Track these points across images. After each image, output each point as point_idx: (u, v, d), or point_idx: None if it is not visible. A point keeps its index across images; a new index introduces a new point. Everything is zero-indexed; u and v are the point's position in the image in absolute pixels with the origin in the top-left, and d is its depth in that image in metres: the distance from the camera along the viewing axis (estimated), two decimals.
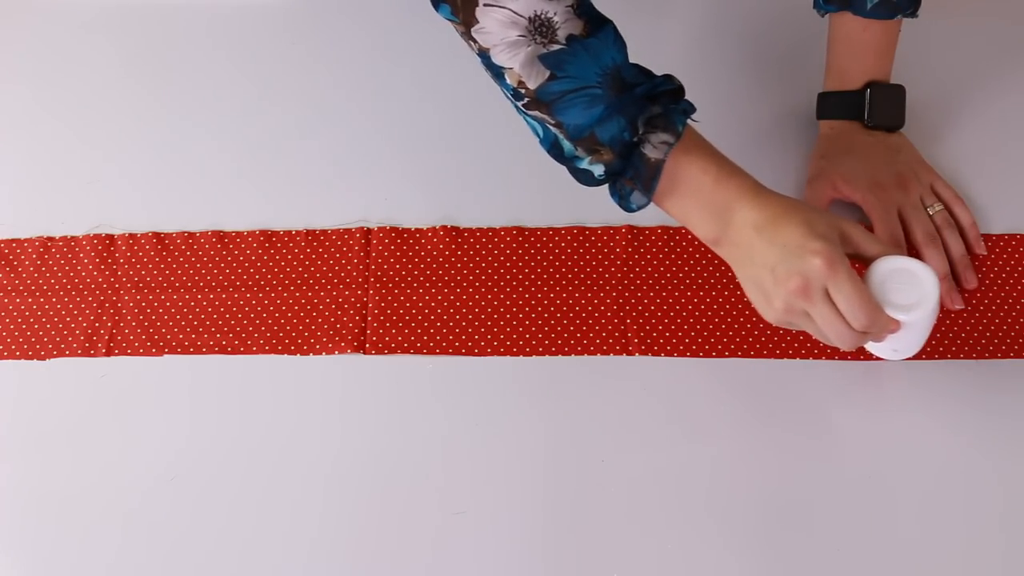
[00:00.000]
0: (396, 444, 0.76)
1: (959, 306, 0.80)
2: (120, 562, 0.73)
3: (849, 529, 0.72)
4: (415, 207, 0.87)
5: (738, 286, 0.73)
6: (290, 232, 0.86)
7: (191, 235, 0.86)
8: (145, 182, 0.90)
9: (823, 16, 0.84)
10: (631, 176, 0.69)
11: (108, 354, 0.81)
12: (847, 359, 0.78)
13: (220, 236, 0.86)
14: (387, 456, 0.76)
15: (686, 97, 0.69)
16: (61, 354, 0.81)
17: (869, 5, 0.80)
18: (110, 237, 0.86)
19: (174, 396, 0.79)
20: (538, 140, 0.70)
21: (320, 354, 0.80)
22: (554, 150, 0.69)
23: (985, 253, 0.82)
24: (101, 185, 0.90)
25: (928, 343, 0.78)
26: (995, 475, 0.74)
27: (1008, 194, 0.86)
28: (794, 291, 0.65)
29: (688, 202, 0.70)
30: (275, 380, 0.79)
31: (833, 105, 0.86)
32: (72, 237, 0.86)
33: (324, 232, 0.86)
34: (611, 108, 0.66)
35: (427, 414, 0.78)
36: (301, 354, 0.80)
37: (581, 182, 0.70)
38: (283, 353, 0.80)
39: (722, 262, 0.75)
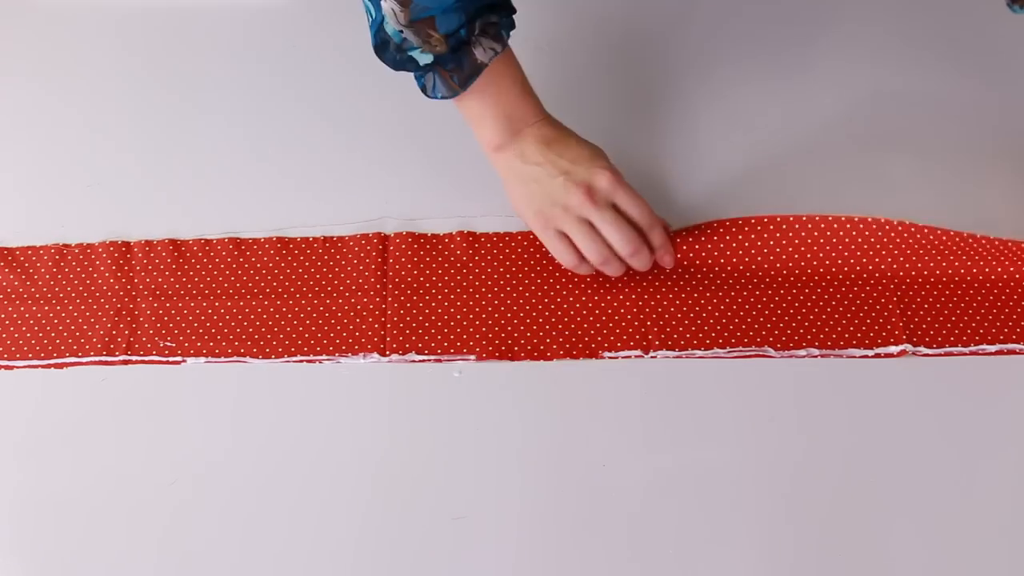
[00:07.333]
0: (397, 446, 0.76)
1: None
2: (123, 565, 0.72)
3: (857, 533, 0.72)
4: (431, 212, 0.87)
5: (745, 284, 0.80)
6: (307, 239, 0.86)
7: (208, 242, 0.86)
8: (161, 188, 0.90)
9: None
10: (451, 68, 0.75)
11: (126, 362, 0.80)
12: (842, 358, 0.79)
13: (237, 243, 0.86)
14: (388, 459, 0.76)
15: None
16: (78, 361, 0.81)
17: None
18: (126, 244, 0.86)
19: (188, 401, 0.79)
20: (368, 23, 0.74)
21: (334, 356, 0.80)
22: (379, 34, 0.73)
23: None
24: (115, 191, 0.90)
25: (933, 341, 0.79)
26: (995, 474, 0.74)
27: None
28: (584, 196, 0.76)
29: (488, 105, 0.78)
30: (284, 386, 0.79)
31: None
32: (88, 244, 0.86)
33: (342, 239, 0.86)
34: (461, 2, 0.71)
35: (429, 416, 0.78)
36: (315, 354, 0.80)
37: (394, 66, 0.75)
38: (297, 354, 0.80)
39: (733, 262, 0.81)
